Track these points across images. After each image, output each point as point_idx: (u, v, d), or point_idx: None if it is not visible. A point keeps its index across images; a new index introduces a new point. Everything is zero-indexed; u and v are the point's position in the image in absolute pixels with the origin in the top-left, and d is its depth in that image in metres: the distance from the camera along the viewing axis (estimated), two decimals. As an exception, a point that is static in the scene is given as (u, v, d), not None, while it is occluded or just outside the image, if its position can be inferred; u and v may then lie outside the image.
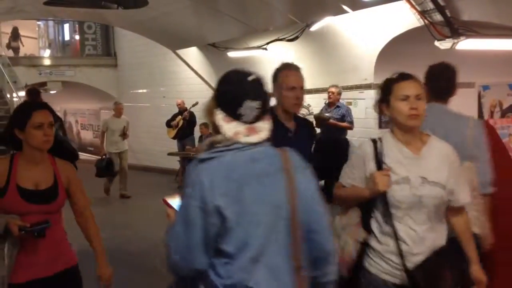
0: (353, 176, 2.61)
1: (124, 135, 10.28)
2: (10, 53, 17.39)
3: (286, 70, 3.29)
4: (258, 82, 1.94)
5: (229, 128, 1.89)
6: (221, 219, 1.83)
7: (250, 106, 1.89)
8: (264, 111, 1.93)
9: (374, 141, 2.56)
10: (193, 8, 9.32)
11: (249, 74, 1.94)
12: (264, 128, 1.93)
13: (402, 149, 2.53)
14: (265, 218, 1.87)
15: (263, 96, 1.93)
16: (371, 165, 2.52)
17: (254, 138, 1.90)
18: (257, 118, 1.91)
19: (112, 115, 10.67)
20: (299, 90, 3.24)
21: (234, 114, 1.89)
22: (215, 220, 1.83)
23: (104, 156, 10.18)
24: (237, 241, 1.84)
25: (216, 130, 1.94)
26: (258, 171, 1.88)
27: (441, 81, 3.18)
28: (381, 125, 8.97)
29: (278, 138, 2.02)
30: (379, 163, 2.50)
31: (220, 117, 1.91)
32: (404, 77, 2.53)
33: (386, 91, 2.55)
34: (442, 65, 3.25)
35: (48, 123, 2.70)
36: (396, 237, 2.46)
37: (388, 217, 2.48)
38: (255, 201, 1.85)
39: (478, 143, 3.04)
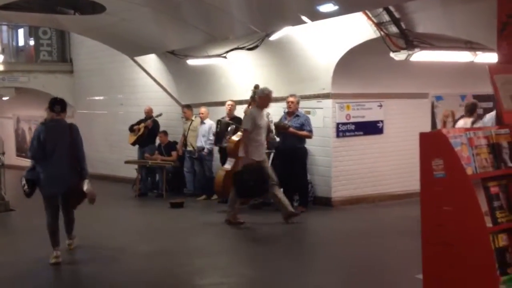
0: None
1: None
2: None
3: None
4: (61, 100, 6.52)
5: (50, 114, 6.46)
6: (43, 140, 6.26)
7: (57, 107, 6.37)
8: (63, 110, 6.46)
9: None
10: (153, 16, 9.24)
11: (56, 98, 6.60)
12: (63, 115, 6.46)
13: None
14: (59, 141, 6.29)
15: (62, 104, 6.45)
16: None
17: (58, 118, 6.43)
18: (60, 112, 6.42)
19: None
20: None
21: (52, 110, 6.41)
22: (42, 140, 6.26)
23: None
24: (47, 149, 6.26)
25: (48, 116, 6.55)
26: (56, 128, 6.37)
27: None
28: (338, 134, 9.11)
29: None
30: None
31: (48, 111, 6.54)
32: None
33: None
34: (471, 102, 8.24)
35: None
36: None
37: None
38: (54, 136, 6.29)
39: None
